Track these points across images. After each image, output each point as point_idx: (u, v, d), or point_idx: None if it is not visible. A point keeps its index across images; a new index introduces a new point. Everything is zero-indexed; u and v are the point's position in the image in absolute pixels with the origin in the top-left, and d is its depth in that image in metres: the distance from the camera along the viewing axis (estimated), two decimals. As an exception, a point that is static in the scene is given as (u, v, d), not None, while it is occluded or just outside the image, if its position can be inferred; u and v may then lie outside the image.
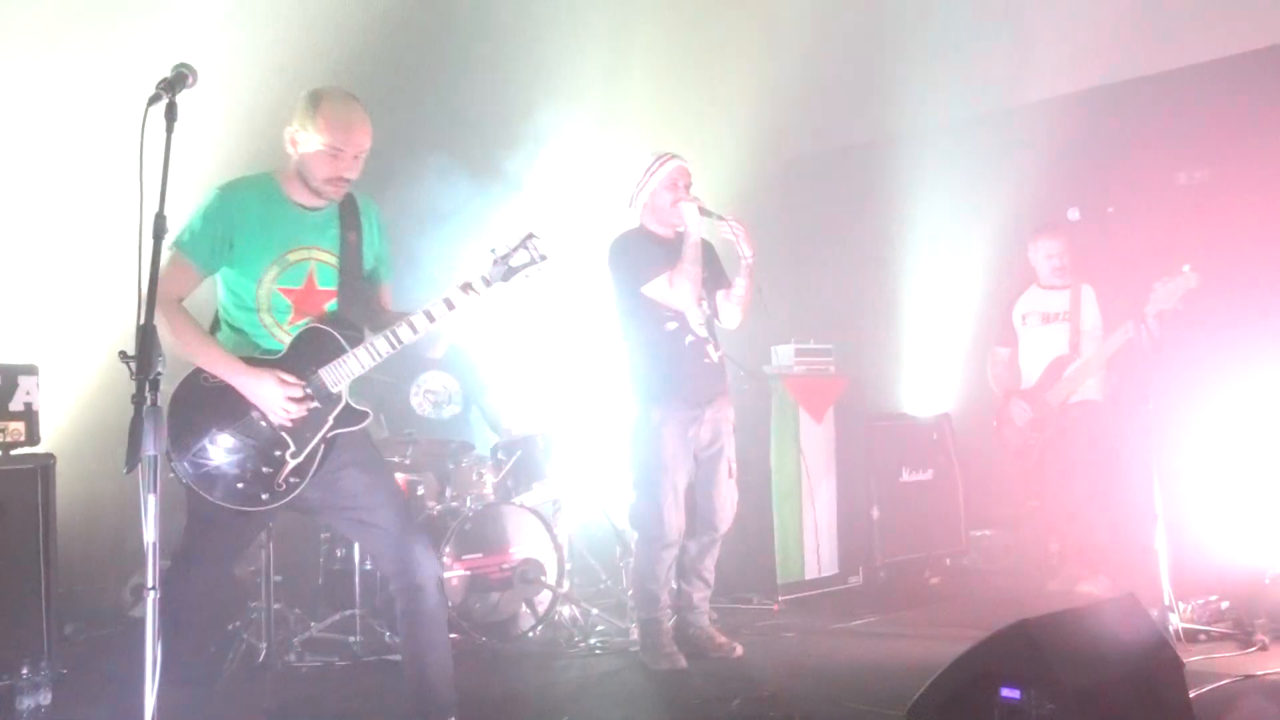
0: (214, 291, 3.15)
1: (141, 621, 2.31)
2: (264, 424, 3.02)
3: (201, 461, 2.97)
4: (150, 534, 2.30)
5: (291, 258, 3.11)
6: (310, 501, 3.14)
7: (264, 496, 3.01)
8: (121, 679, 2.51)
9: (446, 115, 6.24)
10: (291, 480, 3.04)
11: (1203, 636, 4.33)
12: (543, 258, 3.25)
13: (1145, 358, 4.86)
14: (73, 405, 4.71)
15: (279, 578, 4.45)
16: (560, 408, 5.41)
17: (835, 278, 7.52)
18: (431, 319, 3.12)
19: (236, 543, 3.21)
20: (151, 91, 2.55)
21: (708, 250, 4.53)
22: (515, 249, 3.23)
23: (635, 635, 4.60)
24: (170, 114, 2.54)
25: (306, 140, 3.05)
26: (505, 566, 4.79)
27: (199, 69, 2.62)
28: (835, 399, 6.08)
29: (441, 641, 3.22)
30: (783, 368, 6.05)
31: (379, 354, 3.11)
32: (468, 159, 5.86)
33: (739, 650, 4.53)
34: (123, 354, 2.40)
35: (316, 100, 3.07)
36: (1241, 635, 4.32)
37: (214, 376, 3.00)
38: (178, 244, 3.02)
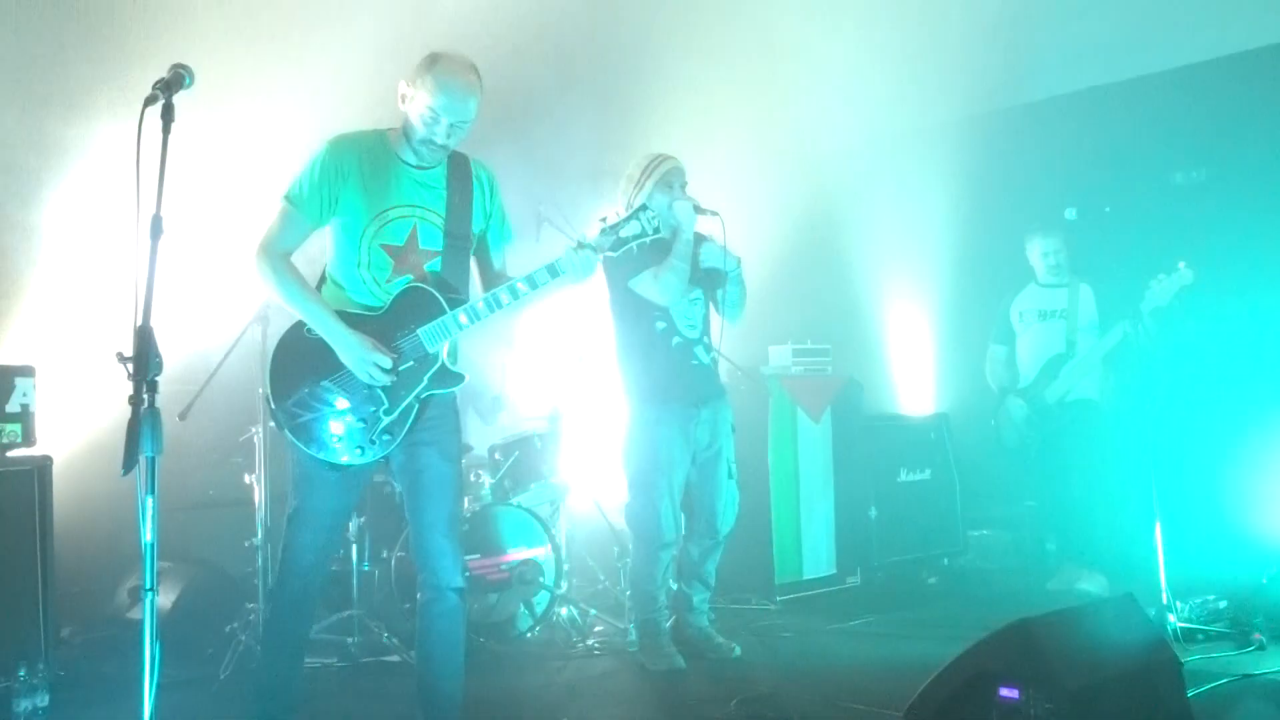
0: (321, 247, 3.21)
1: (139, 623, 2.30)
2: (360, 380, 3.06)
3: (298, 412, 3.05)
4: (148, 536, 2.30)
5: (394, 214, 3.12)
6: (393, 462, 3.19)
7: (357, 451, 3.08)
8: (118, 681, 2.51)
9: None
10: (384, 438, 3.10)
11: (1200, 636, 4.34)
12: (655, 230, 3.28)
13: (1141, 355, 4.87)
14: (70, 407, 4.69)
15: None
16: (559, 406, 5.40)
17: (833, 277, 7.51)
18: (535, 285, 3.13)
19: (336, 504, 3.20)
20: (148, 92, 2.54)
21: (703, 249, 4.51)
22: (628, 220, 3.24)
23: (633, 636, 4.59)
24: (167, 115, 2.54)
25: (412, 98, 3.08)
26: (503, 567, 4.78)
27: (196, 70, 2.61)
28: (833, 399, 6.08)
29: (452, 646, 3.22)
30: (780, 367, 6.06)
31: (480, 316, 3.12)
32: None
33: (737, 651, 4.53)
34: (120, 355, 2.39)
35: (433, 62, 3.08)
36: (1239, 635, 4.33)
37: (315, 331, 3.06)
38: (288, 197, 3.09)
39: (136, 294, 2.37)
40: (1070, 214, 4.91)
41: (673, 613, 4.59)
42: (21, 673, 3.67)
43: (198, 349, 4.84)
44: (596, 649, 4.74)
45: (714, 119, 6.90)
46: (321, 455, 3.07)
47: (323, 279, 3.26)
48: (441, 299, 3.13)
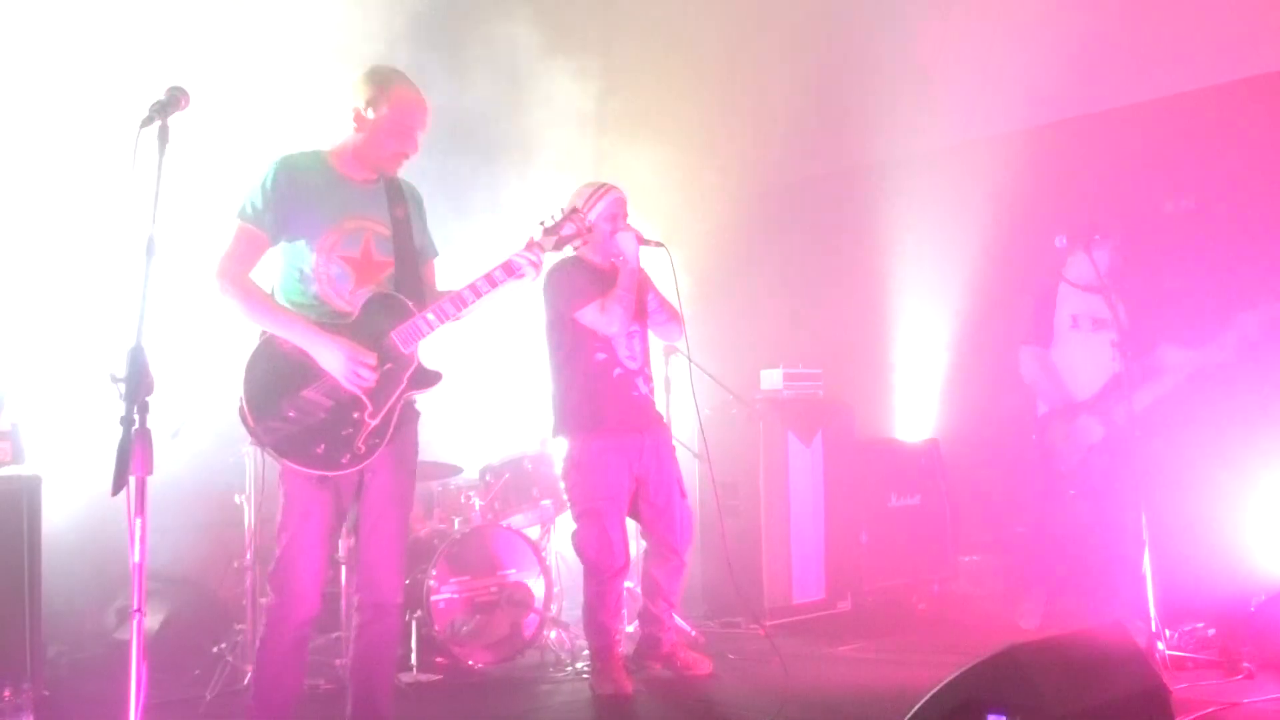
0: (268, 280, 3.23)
1: (126, 643, 2.30)
2: (342, 386, 3.07)
3: (279, 426, 3.02)
4: (136, 556, 2.30)
5: (348, 225, 3.20)
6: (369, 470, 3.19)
7: (344, 459, 3.07)
8: (105, 701, 2.50)
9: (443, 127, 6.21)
10: (373, 442, 3.11)
11: (1189, 664, 4.34)
12: (589, 230, 3.60)
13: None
14: (59, 425, 4.68)
15: (264, 599, 4.42)
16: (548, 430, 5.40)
17: (825, 302, 7.55)
18: (494, 283, 3.26)
19: (326, 518, 3.16)
20: (144, 114, 2.56)
21: (647, 281, 4.52)
22: (564, 221, 3.50)
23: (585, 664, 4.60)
24: (162, 136, 2.56)
25: (378, 115, 3.17)
26: (492, 589, 4.77)
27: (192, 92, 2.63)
28: (824, 423, 6.09)
29: (391, 667, 3.34)
30: (772, 391, 6.07)
31: (447, 315, 3.21)
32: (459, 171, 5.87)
33: (709, 666, 4.57)
34: (112, 376, 2.40)
35: (389, 78, 3.22)
36: (1227, 663, 4.33)
37: (288, 342, 3.06)
38: (243, 216, 3.12)
39: (130, 313, 2.37)
40: (1060, 242, 4.93)
41: (643, 628, 4.65)
42: (6, 692, 3.66)
43: (190, 366, 4.83)
44: (585, 672, 4.72)
45: (706, 144, 6.94)
46: (310, 468, 3.05)
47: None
48: (408, 302, 3.21)
